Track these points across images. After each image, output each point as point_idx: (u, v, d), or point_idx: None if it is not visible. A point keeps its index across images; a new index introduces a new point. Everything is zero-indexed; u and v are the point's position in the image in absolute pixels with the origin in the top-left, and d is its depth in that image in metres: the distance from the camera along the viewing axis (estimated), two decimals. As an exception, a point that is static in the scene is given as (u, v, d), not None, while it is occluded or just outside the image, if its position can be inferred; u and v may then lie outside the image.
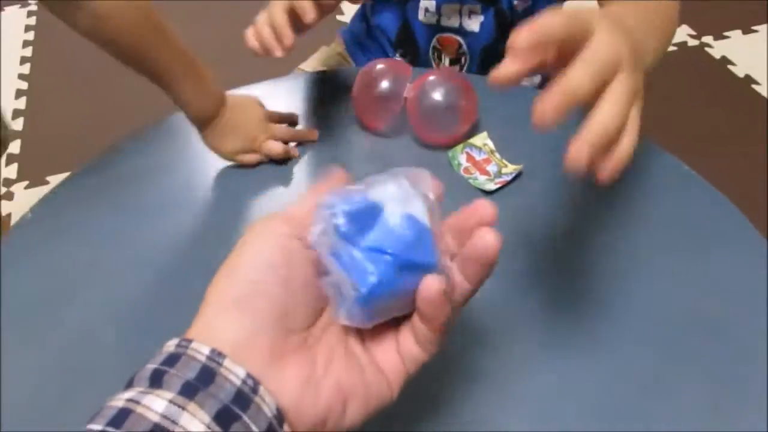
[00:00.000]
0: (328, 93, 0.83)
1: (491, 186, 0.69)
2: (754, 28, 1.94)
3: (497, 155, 0.73)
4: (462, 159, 0.72)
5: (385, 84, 0.73)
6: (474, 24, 0.86)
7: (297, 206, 0.36)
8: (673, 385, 0.52)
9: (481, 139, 0.74)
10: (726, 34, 1.92)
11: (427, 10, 0.87)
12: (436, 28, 0.89)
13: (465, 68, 0.91)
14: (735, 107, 1.68)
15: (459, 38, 0.89)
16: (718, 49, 1.84)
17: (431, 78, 0.73)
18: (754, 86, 1.74)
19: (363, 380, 0.34)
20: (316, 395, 0.32)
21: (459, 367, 0.54)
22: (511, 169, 0.71)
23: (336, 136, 0.77)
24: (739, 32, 1.93)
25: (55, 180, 1.72)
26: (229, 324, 0.31)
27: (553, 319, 0.57)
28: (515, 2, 0.85)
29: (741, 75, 1.76)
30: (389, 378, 0.35)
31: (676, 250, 0.62)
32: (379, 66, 0.75)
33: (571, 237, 0.64)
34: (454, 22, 0.87)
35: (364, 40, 0.98)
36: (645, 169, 0.71)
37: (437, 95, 0.72)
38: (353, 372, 0.34)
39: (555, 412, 0.51)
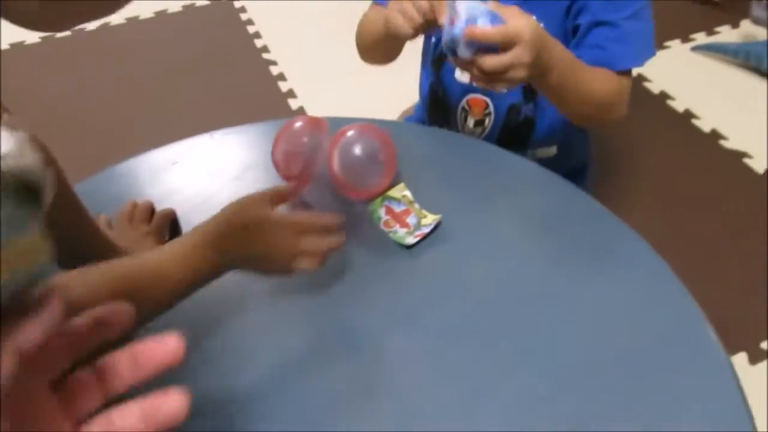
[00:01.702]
0: (247, 150, 0.84)
1: (410, 240, 0.70)
2: (667, 44, 2.04)
3: (416, 206, 0.75)
4: (381, 212, 0.74)
5: (303, 141, 0.74)
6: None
7: None
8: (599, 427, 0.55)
9: (400, 190, 0.76)
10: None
11: None
12: (468, 87, 0.92)
13: (488, 130, 0.95)
14: (648, 119, 1.77)
15: (487, 99, 0.92)
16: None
17: (350, 134, 0.74)
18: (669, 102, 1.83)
19: None
20: None
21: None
22: (430, 219, 0.73)
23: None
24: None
25: None
26: None
27: (477, 371, 0.59)
28: None
29: (656, 91, 1.85)
30: None
31: (591, 285, 0.65)
32: (297, 124, 0.76)
33: (491, 288, 0.66)
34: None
35: None
36: (562, 210, 0.75)
37: (356, 150, 0.73)
38: None
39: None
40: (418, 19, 0.70)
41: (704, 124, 1.74)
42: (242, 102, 1.92)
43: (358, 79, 1.95)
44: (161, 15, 2.33)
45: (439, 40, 0.88)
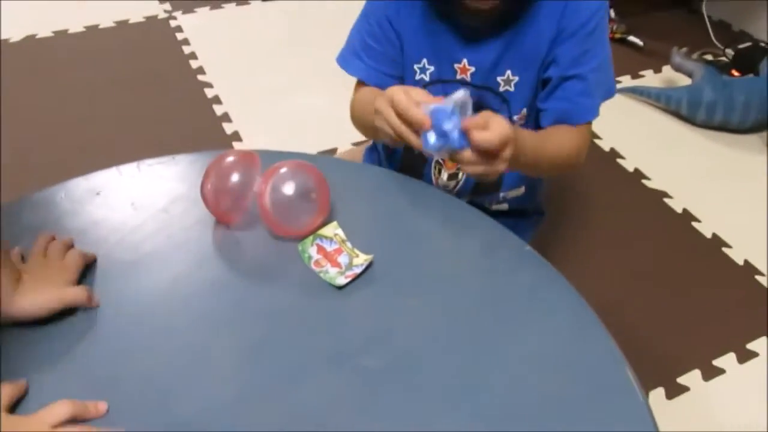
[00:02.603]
0: (175, 181, 0.81)
1: (342, 280, 0.70)
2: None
3: (348, 244, 0.74)
4: (312, 251, 0.73)
5: (234, 177, 0.73)
6: None
7: None
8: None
9: (332, 228, 0.75)
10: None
11: None
12: None
13: (461, 183, 0.97)
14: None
15: None
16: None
17: (282, 170, 0.73)
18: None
19: None
20: None
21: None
22: (362, 259, 0.72)
23: (185, 229, 0.75)
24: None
25: None
26: None
27: (404, 414, 0.58)
28: (515, 118, 0.91)
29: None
30: None
31: (517, 329, 0.66)
32: (228, 158, 0.74)
33: (419, 331, 0.66)
34: None
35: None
36: (492, 251, 0.76)
37: (288, 188, 0.72)
38: None
39: None
40: (407, 137, 0.74)
41: (628, 164, 1.82)
42: (175, 125, 1.87)
43: (293, 102, 1.95)
44: (92, 30, 2.26)
45: None
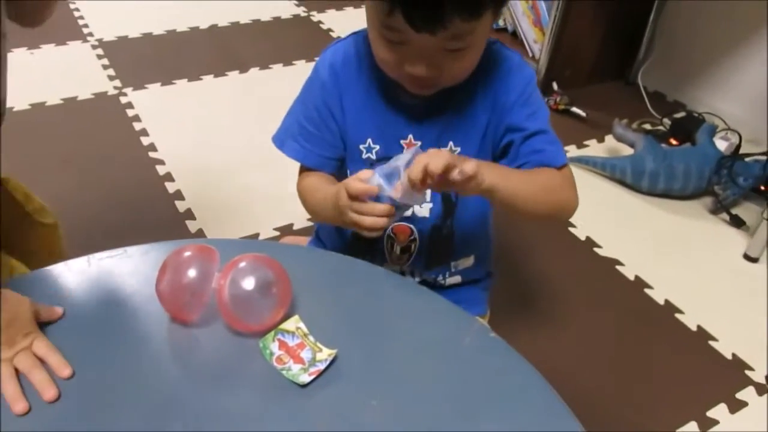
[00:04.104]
0: (129, 278, 0.78)
1: (305, 378, 0.67)
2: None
3: (311, 338, 0.72)
4: (274, 347, 0.70)
5: (192, 273, 0.71)
6: (425, 210, 0.96)
7: None
8: None
9: (294, 322, 0.73)
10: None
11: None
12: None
13: (414, 255, 0.99)
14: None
15: (411, 225, 0.96)
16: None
17: (241, 264, 0.71)
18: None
19: None
20: None
21: None
22: (325, 354, 0.70)
23: (139, 328, 0.72)
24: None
25: None
26: None
27: None
28: None
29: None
30: None
31: (483, 419, 0.65)
32: (186, 253, 0.72)
33: (390, 427, 0.64)
34: (407, 212, 0.94)
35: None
36: (454, 338, 0.75)
37: (248, 283, 0.70)
38: None
39: None
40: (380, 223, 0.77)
41: (580, 233, 1.86)
42: (126, 204, 1.82)
43: (246, 178, 1.94)
44: (38, 107, 2.22)
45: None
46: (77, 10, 2.85)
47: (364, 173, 0.77)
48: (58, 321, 0.71)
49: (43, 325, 0.70)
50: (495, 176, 0.81)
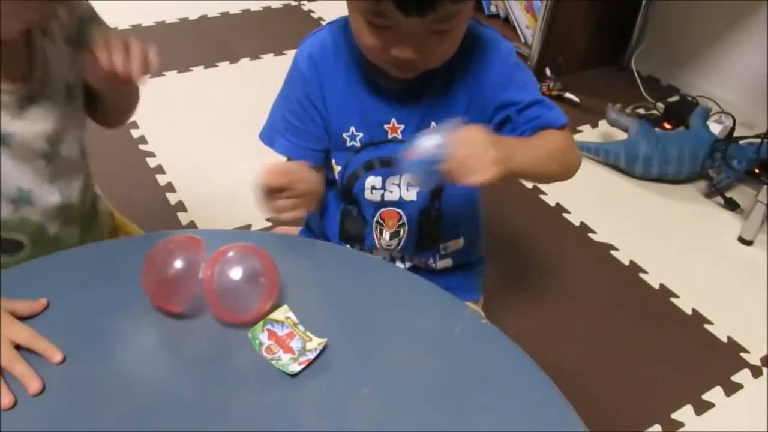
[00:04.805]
0: (115, 271, 0.77)
1: (295, 367, 0.66)
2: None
3: (300, 328, 0.71)
4: (263, 337, 0.70)
5: (178, 264, 0.69)
6: (412, 194, 0.95)
7: None
8: None
9: (283, 312, 0.72)
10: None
11: (374, 187, 0.93)
12: (380, 204, 0.96)
13: (403, 240, 0.98)
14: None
15: (399, 210, 0.95)
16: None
17: (229, 254, 0.70)
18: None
19: None
20: None
21: None
22: (315, 343, 0.69)
23: (126, 321, 0.71)
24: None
25: None
26: None
27: None
28: None
29: (530, 186, 1.96)
30: None
31: (477, 409, 0.64)
32: (171, 245, 0.71)
33: (376, 420, 0.63)
34: (394, 196, 0.94)
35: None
36: (447, 327, 0.74)
37: (235, 273, 0.69)
38: None
39: None
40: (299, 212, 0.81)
41: (574, 218, 1.85)
42: (118, 197, 1.80)
43: (237, 170, 1.91)
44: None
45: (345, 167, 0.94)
46: (65, 2, 2.82)
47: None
48: (44, 314, 0.70)
49: (26, 320, 0.68)
50: (504, 156, 0.77)
